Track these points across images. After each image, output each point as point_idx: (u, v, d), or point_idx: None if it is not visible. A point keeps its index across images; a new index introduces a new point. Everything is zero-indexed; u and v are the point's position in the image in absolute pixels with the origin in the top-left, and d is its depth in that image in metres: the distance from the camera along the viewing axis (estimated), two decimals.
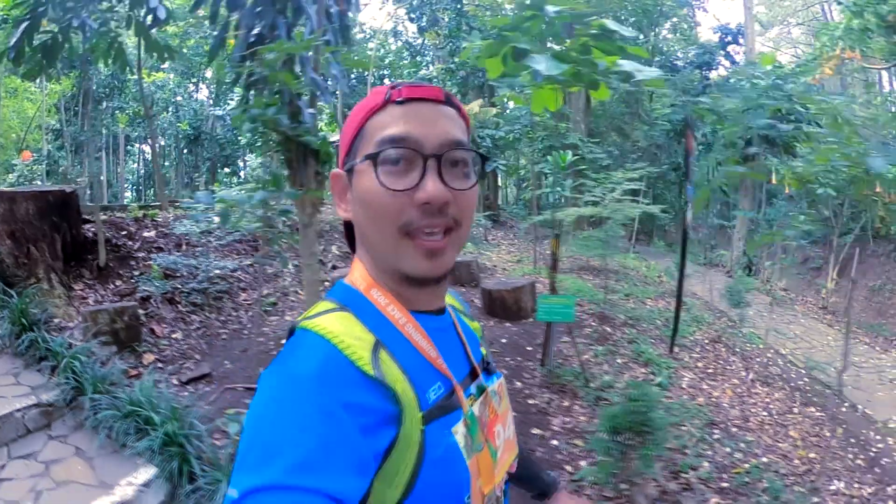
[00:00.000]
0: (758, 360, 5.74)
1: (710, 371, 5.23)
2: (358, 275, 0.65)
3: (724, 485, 3.29)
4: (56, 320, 3.77)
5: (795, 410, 4.65)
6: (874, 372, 5.64)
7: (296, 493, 0.43)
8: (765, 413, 4.46)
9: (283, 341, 0.61)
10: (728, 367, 5.35)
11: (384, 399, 0.53)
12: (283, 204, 4.29)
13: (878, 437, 4.36)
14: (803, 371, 5.50)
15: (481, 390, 0.67)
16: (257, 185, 5.53)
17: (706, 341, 5.97)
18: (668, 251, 13.01)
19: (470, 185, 0.61)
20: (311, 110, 3.88)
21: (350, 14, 4.72)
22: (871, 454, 4.05)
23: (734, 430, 4.15)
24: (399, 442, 0.53)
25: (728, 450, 3.82)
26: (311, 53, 3.86)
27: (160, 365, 3.83)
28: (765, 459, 3.79)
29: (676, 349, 5.58)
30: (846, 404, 4.90)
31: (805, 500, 3.36)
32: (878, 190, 8.67)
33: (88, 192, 10.51)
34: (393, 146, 0.57)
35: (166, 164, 23.55)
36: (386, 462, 0.52)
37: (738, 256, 10.70)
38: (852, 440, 4.26)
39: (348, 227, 0.67)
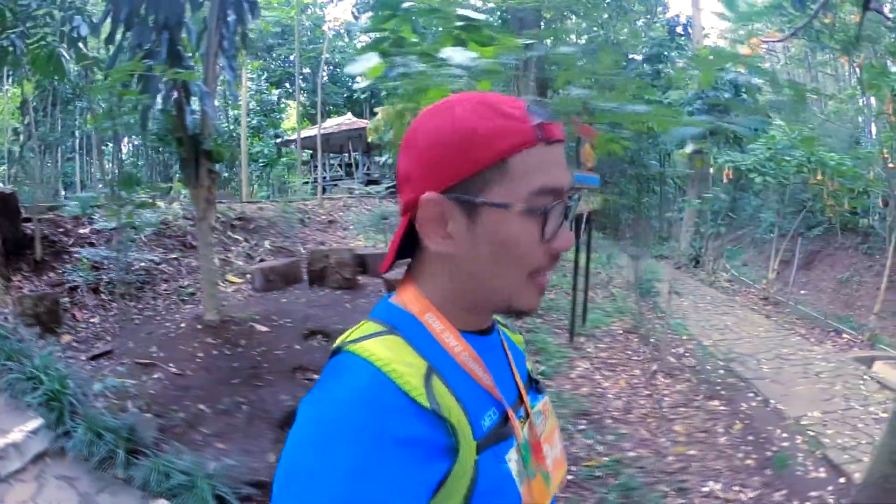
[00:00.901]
0: (673, 351, 5.19)
1: (611, 362, 4.68)
2: (411, 296, 0.60)
3: (568, 477, 2.74)
4: None
5: (695, 404, 4.10)
6: (800, 364, 5.09)
7: None
8: (654, 406, 3.90)
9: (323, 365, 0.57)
10: (634, 358, 4.81)
11: (438, 430, 0.50)
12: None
13: (784, 435, 3.79)
14: (721, 363, 4.94)
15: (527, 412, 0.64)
16: (110, 183, 6.29)
17: (620, 332, 5.43)
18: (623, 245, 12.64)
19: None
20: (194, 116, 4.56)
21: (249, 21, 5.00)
22: (768, 454, 3.49)
23: (608, 421, 3.60)
24: (453, 474, 0.50)
25: (589, 442, 3.27)
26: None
27: (75, 344, 4.35)
28: (632, 454, 3.24)
29: (582, 339, 5.06)
30: (758, 398, 4.34)
31: (659, 500, 2.81)
32: (819, 178, 8.30)
33: (38, 192, 10.28)
34: (558, 200, 0.56)
35: (140, 163, 23.27)
36: (436, 495, 0.48)
37: (686, 248, 10.26)
38: (750, 437, 3.69)
39: (403, 245, 0.61)
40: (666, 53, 14.23)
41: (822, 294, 11.32)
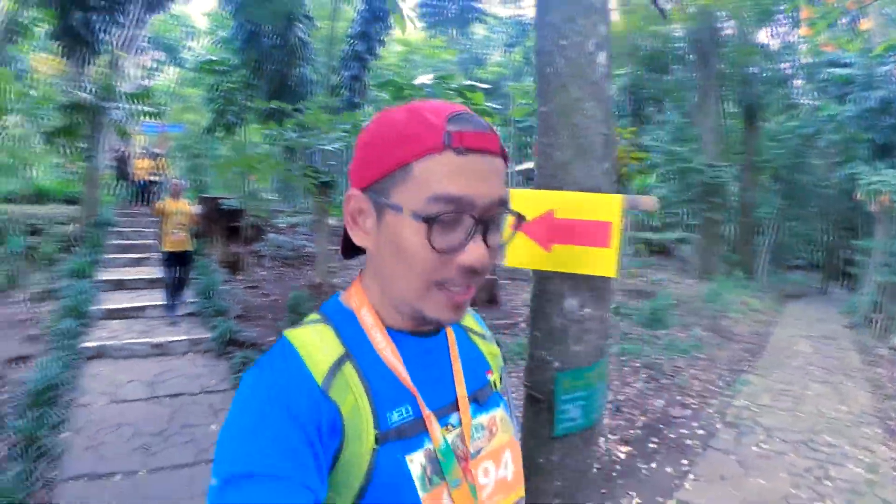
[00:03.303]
0: None
1: None
2: (354, 292, 0.65)
3: None
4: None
5: None
6: None
7: (267, 479, 0.48)
8: None
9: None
10: None
11: (328, 411, 0.54)
12: None
13: None
14: None
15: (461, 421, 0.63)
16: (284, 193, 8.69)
17: None
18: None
19: (501, 242, 0.60)
20: None
21: None
22: None
23: None
24: (344, 453, 0.54)
25: None
26: None
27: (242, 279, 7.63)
28: None
29: None
30: None
31: None
32: None
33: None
34: (448, 209, 0.54)
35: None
36: (335, 469, 0.54)
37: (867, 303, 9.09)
38: None
39: (346, 236, 0.66)
40: None
41: None
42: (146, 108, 8.38)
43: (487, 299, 7.38)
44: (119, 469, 3.03)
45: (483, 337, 0.76)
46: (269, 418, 0.51)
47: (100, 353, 4.81)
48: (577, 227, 1.56)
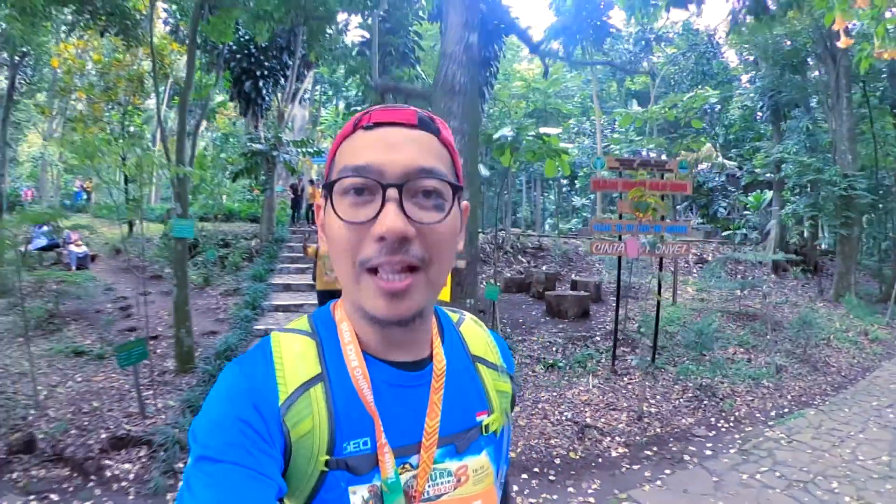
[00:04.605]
0: None
1: None
2: (339, 305, 0.66)
3: None
4: None
5: None
6: None
7: (230, 465, 0.52)
8: None
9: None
10: None
11: (277, 428, 0.56)
12: None
13: None
14: None
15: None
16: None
17: None
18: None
19: (440, 219, 0.56)
20: None
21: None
22: None
23: None
24: (291, 466, 0.57)
25: None
26: None
27: None
28: None
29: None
30: None
31: None
32: None
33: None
34: (350, 175, 0.55)
35: None
36: (287, 474, 0.57)
37: None
38: None
39: None
40: None
41: None
42: (309, 150, 10.81)
43: (580, 313, 8.23)
44: None
45: (496, 369, 0.73)
46: (234, 412, 0.55)
47: (266, 333, 6.94)
48: None
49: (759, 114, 15.53)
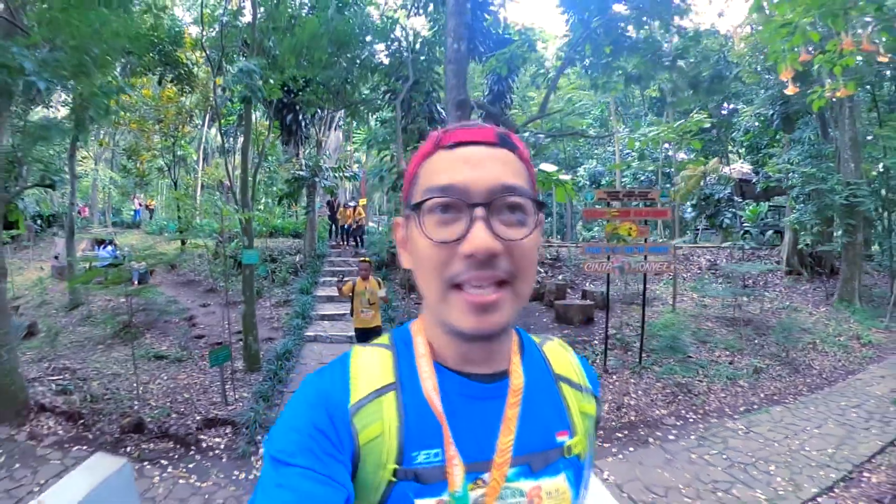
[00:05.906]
0: None
1: None
2: (420, 318, 0.68)
3: None
4: None
5: None
6: None
7: (302, 470, 0.55)
8: None
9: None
10: None
11: (346, 431, 0.59)
12: None
13: None
14: None
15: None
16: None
17: None
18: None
19: (525, 235, 0.58)
20: None
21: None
22: None
23: None
24: (359, 472, 0.59)
25: None
26: None
27: None
28: None
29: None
30: None
31: None
32: None
33: None
34: (436, 195, 0.57)
35: None
36: (356, 480, 0.59)
37: None
38: None
39: None
40: None
41: None
42: (346, 175, 12.31)
43: (585, 320, 9.09)
44: None
45: (581, 390, 0.73)
46: (308, 418, 0.59)
47: (315, 339, 8.40)
48: None
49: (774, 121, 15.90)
